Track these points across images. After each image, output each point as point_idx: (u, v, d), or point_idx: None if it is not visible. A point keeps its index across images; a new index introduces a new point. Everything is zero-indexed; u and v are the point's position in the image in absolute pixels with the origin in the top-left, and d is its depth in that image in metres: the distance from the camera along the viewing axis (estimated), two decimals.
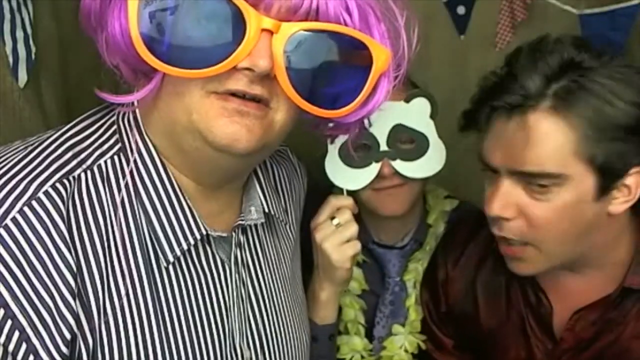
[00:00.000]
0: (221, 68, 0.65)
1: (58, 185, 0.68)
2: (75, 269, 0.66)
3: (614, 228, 0.96)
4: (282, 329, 0.88)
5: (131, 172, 0.73)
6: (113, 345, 0.69)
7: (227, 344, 0.79)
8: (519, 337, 1.08)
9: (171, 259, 0.73)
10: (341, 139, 1.05)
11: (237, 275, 0.82)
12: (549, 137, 0.87)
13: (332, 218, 1.03)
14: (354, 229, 1.02)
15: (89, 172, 0.71)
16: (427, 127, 1.08)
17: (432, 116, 1.08)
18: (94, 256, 0.69)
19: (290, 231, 0.97)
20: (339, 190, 1.07)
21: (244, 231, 0.85)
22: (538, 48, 0.91)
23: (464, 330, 1.17)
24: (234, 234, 0.82)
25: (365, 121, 0.94)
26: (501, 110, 0.91)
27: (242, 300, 0.82)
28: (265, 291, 0.87)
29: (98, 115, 0.78)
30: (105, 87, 0.70)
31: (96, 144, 0.74)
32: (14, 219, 0.64)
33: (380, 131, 1.06)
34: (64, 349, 0.65)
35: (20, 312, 0.63)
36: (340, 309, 1.15)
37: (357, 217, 1.07)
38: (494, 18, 1.54)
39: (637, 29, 1.42)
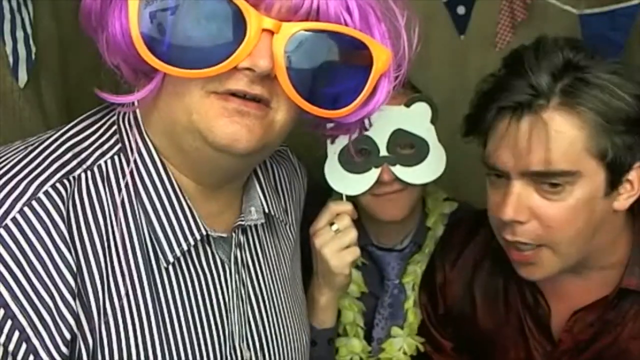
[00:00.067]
0: (222, 68, 0.65)
1: (58, 185, 0.68)
2: (75, 269, 0.66)
3: (616, 227, 0.96)
4: (281, 329, 0.88)
5: (131, 172, 0.73)
6: (113, 345, 0.69)
7: (226, 344, 0.79)
8: (517, 338, 1.08)
9: (171, 259, 0.73)
10: (341, 144, 1.05)
11: (237, 276, 0.82)
12: (562, 133, 0.86)
13: (332, 224, 1.03)
14: (353, 235, 1.02)
15: (89, 172, 0.71)
16: (428, 132, 1.07)
17: (432, 121, 1.07)
18: (94, 256, 0.69)
19: (290, 231, 0.97)
20: (338, 196, 1.07)
21: (244, 231, 0.85)
22: (539, 48, 0.91)
23: (463, 332, 1.17)
24: (234, 234, 0.82)
25: (366, 121, 0.94)
26: (507, 111, 0.90)
27: (242, 301, 0.82)
28: (265, 292, 0.87)
29: (98, 116, 0.78)
30: (105, 87, 0.70)
31: (96, 144, 0.74)
32: (14, 219, 0.64)
33: (380, 136, 1.05)
34: (63, 349, 0.65)
35: (20, 312, 0.63)
36: (339, 312, 1.15)
37: (357, 220, 1.07)
38: (494, 18, 1.54)
39: (637, 29, 1.42)
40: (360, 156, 1.05)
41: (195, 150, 0.72)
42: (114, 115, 0.77)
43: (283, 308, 0.90)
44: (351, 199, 1.07)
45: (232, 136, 0.68)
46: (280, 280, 0.91)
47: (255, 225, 0.86)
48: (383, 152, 1.06)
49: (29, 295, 0.64)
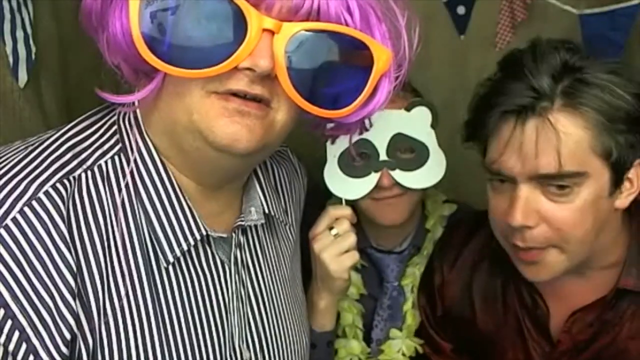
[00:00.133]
0: (222, 68, 0.65)
1: (58, 185, 0.68)
2: (75, 269, 0.66)
3: (616, 226, 0.97)
4: (281, 329, 0.88)
5: (131, 172, 0.73)
6: (113, 345, 0.69)
7: (226, 344, 0.79)
8: (516, 339, 1.08)
9: (171, 259, 0.73)
10: (340, 148, 1.05)
11: (236, 276, 0.82)
12: (568, 135, 0.86)
13: (331, 228, 1.03)
14: (352, 239, 1.02)
15: (89, 172, 0.71)
16: (428, 137, 1.07)
17: (432, 125, 1.07)
18: (94, 256, 0.69)
19: (290, 232, 0.97)
20: (338, 200, 1.07)
21: (244, 232, 0.85)
22: (536, 50, 0.91)
23: (462, 334, 1.17)
24: (234, 234, 0.82)
25: (366, 122, 0.94)
26: (511, 115, 0.89)
27: (242, 301, 0.82)
28: (265, 292, 0.87)
29: (99, 116, 0.78)
30: (105, 87, 0.70)
31: (97, 144, 0.74)
32: (14, 219, 0.64)
33: (380, 140, 1.05)
34: (64, 349, 0.65)
35: (21, 312, 0.63)
36: (338, 314, 1.16)
37: (356, 223, 1.07)
38: (494, 18, 1.54)
39: (637, 29, 1.42)
40: (359, 160, 1.05)
41: (196, 150, 0.72)
42: (114, 115, 0.77)
43: (283, 309, 0.90)
44: (350, 202, 1.07)
45: (232, 136, 0.68)
46: (280, 280, 0.91)
47: (255, 226, 0.86)
48: (383, 156, 1.05)
49: (29, 295, 0.63)
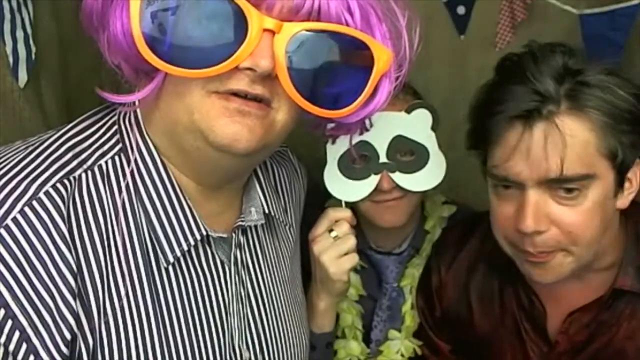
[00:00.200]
0: (223, 68, 0.65)
1: (59, 185, 0.68)
2: (75, 269, 0.66)
3: (615, 227, 0.97)
4: (281, 330, 0.88)
5: (131, 172, 0.73)
6: (113, 345, 0.69)
7: (226, 344, 0.79)
8: (514, 341, 1.08)
9: (171, 259, 0.73)
10: (340, 150, 1.05)
11: (236, 276, 0.82)
12: (576, 137, 0.86)
13: (330, 230, 1.03)
14: (351, 241, 1.02)
15: (89, 173, 0.71)
16: (428, 139, 1.06)
17: (433, 128, 1.07)
18: (94, 256, 0.69)
19: (290, 232, 0.97)
20: (337, 202, 1.07)
21: (244, 232, 0.85)
22: (536, 54, 0.90)
23: (460, 335, 1.17)
24: (234, 234, 0.82)
25: (367, 122, 0.94)
26: (517, 120, 0.89)
27: (242, 301, 0.82)
28: (265, 292, 0.87)
29: (99, 115, 0.78)
30: (106, 87, 0.70)
31: (97, 144, 0.74)
32: (14, 219, 0.64)
33: (380, 142, 1.05)
34: (64, 349, 0.65)
35: (21, 312, 0.63)
36: (337, 315, 1.16)
37: (356, 224, 1.06)
38: (494, 18, 1.54)
39: (637, 29, 1.42)
40: (359, 162, 1.05)
41: (196, 150, 0.72)
42: (114, 115, 0.77)
43: (283, 309, 0.90)
44: (350, 204, 1.07)
45: (233, 136, 0.68)
46: (280, 281, 0.91)
47: (255, 226, 0.86)
48: (383, 158, 1.05)
49: (29, 295, 0.63)
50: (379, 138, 1.04)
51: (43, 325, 0.64)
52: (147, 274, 0.72)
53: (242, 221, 0.82)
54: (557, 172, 0.86)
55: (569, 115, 0.87)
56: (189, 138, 0.71)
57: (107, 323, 0.69)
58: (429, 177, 1.07)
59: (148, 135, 0.75)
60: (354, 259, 1.03)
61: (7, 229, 0.64)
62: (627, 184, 0.93)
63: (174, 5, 0.65)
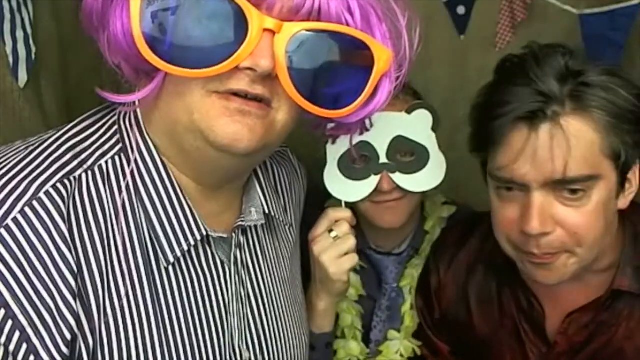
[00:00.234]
0: (223, 68, 0.65)
1: (59, 185, 0.68)
2: (75, 269, 0.66)
3: (615, 228, 0.96)
4: (281, 330, 0.88)
5: (132, 172, 0.73)
6: (113, 345, 0.69)
7: (226, 344, 0.79)
8: (513, 342, 1.08)
9: (171, 259, 0.73)
10: (340, 151, 1.04)
11: (236, 276, 0.82)
12: (581, 138, 0.86)
13: (330, 230, 1.03)
14: (351, 242, 1.02)
15: (89, 173, 0.71)
16: (428, 140, 1.06)
17: (433, 128, 1.07)
18: (95, 256, 0.69)
19: (290, 232, 0.97)
20: (337, 202, 1.07)
21: (244, 232, 0.85)
22: (539, 55, 0.90)
23: (459, 336, 1.17)
24: (234, 234, 0.82)
25: (367, 122, 0.94)
26: (521, 121, 0.88)
27: (242, 301, 0.82)
28: (265, 292, 0.87)
29: (99, 115, 0.78)
30: (106, 87, 0.70)
31: (97, 144, 0.74)
32: (15, 219, 0.64)
33: (380, 143, 1.05)
34: (64, 349, 0.65)
35: (21, 312, 0.63)
36: (337, 315, 1.16)
37: (355, 224, 1.06)
38: (494, 18, 1.54)
39: (637, 29, 1.42)
40: (360, 162, 1.05)
41: (197, 150, 0.72)
42: (114, 115, 0.77)
43: (283, 309, 0.90)
44: (350, 204, 1.07)
45: (233, 136, 0.68)
46: (280, 281, 0.91)
47: (255, 226, 0.86)
48: (383, 159, 1.05)
49: (29, 295, 0.63)
50: (379, 138, 1.04)
51: (43, 326, 0.64)
52: (147, 274, 0.72)
53: (242, 221, 0.82)
54: (564, 173, 0.86)
55: (574, 115, 0.86)
56: (189, 138, 0.71)
57: (107, 323, 0.69)
58: (429, 177, 1.06)
59: (148, 135, 0.75)
60: (353, 259, 1.03)
61: (8, 229, 0.64)
62: (627, 185, 0.93)
63: (174, 5, 0.65)
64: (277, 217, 0.89)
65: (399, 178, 1.06)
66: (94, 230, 0.69)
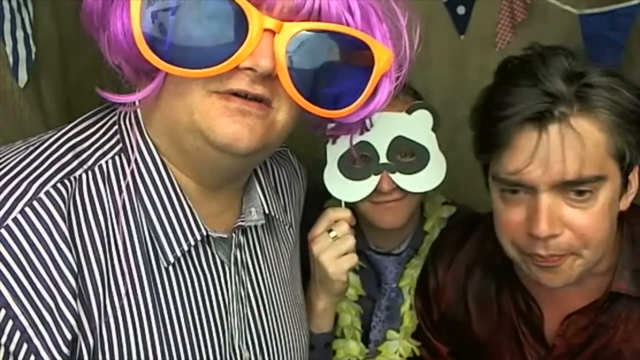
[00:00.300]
0: (223, 68, 0.65)
1: (59, 185, 0.68)
2: (76, 269, 0.66)
3: (615, 230, 0.96)
4: (281, 330, 0.88)
5: (132, 172, 0.73)
6: (113, 345, 0.69)
7: (226, 344, 0.79)
8: (512, 344, 1.08)
9: (171, 259, 0.73)
10: (340, 151, 1.04)
11: (236, 276, 0.82)
12: (590, 139, 0.85)
13: (330, 230, 1.03)
14: (351, 242, 1.02)
15: (90, 173, 0.71)
16: (429, 140, 1.06)
17: (434, 129, 1.07)
18: (95, 256, 0.69)
19: (290, 232, 0.97)
20: (337, 202, 1.07)
21: (244, 232, 0.85)
22: (544, 56, 0.89)
23: (458, 338, 1.16)
24: (234, 235, 0.82)
25: (367, 122, 0.94)
26: (529, 123, 0.87)
27: (242, 301, 0.82)
28: (265, 292, 0.87)
29: (99, 116, 0.78)
30: (106, 87, 0.70)
31: (97, 144, 0.74)
32: (15, 219, 0.64)
33: (381, 143, 1.05)
34: (65, 349, 0.65)
35: (22, 312, 0.63)
36: (336, 315, 1.16)
37: (355, 224, 1.06)
38: (494, 18, 1.54)
39: (637, 29, 1.42)
40: (360, 162, 1.05)
41: (197, 150, 0.72)
42: (114, 115, 0.77)
43: (283, 309, 0.90)
44: (350, 204, 1.07)
45: (233, 135, 0.68)
46: (280, 281, 0.91)
47: (255, 226, 0.86)
48: (383, 159, 1.05)
49: (30, 295, 0.64)
50: (379, 139, 1.04)
51: (44, 326, 0.64)
52: (147, 274, 0.72)
53: (242, 221, 0.82)
54: (574, 174, 0.85)
55: (581, 116, 0.86)
56: (190, 138, 0.71)
57: (107, 323, 0.69)
58: (429, 178, 1.06)
59: (148, 135, 0.75)
60: (353, 259, 1.03)
61: (8, 229, 0.64)
62: (627, 186, 0.93)
63: (175, 5, 0.65)
64: (277, 217, 0.89)
65: (399, 178, 1.06)
66: (94, 230, 0.69)
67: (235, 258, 0.82)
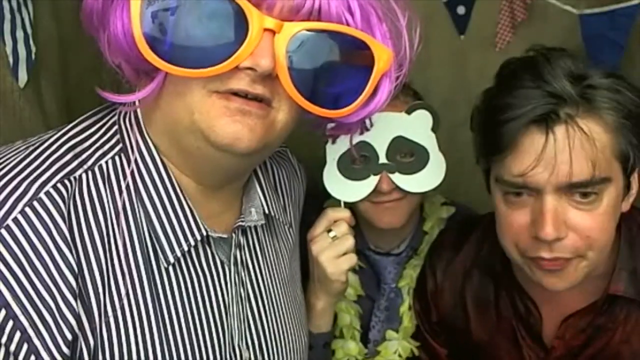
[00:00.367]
0: (223, 67, 0.65)
1: (59, 185, 0.68)
2: (76, 269, 0.66)
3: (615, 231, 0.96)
4: (281, 330, 0.88)
5: (132, 172, 0.73)
6: (114, 345, 0.69)
7: (226, 344, 0.79)
8: (511, 347, 1.08)
9: (171, 259, 0.73)
10: (340, 151, 1.04)
11: (236, 276, 0.82)
12: (596, 140, 0.85)
13: (329, 230, 1.03)
14: (350, 242, 1.02)
15: (90, 173, 0.71)
16: (428, 140, 1.06)
17: (433, 129, 1.06)
18: (95, 256, 0.69)
19: (290, 233, 0.97)
20: (336, 202, 1.07)
21: (244, 232, 0.85)
22: (550, 57, 0.89)
23: (456, 340, 1.16)
24: (233, 235, 0.82)
25: (367, 121, 0.94)
26: (534, 125, 0.86)
27: (241, 301, 0.82)
28: (265, 292, 0.87)
29: (99, 115, 0.78)
30: (106, 87, 0.70)
31: (97, 144, 0.74)
32: (15, 220, 0.64)
33: (380, 143, 1.05)
34: (65, 349, 0.65)
35: (22, 312, 0.63)
36: (335, 314, 1.16)
37: (354, 224, 1.06)
38: (494, 18, 1.54)
39: (637, 29, 1.42)
40: (359, 162, 1.05)
41: (197, 149, 0.72)
42: (114, 115, 0.77)
43: (282, 309, 0.90)
44: (349, 205, 1.07)
45: (233, 135, 0.68)
46: (280, 281, 0.91)
47: (255, 226, 0.86)
48: (382, 159, 1.05)
49: (30, 295, 0.64)
50: (379, 139, 1.04)
51: (44, 326, 0.64)
52: (147, 274, 0.72)
53: (242, 221, 0.82)
54: (581, 176, 0.84)
55: (587, 117, 0.85)
56: (190, 138, 0.71)
57: (107, 323, 0.69)
58: (428, 178, 1.06)
59: (148, 135, 0.75)
60: (352, 260, 1.03)
61: (8, 229, 0.64)
62: (629, 188, 0.92)
63: (175, 5, 0.65)
64: (276, 217, 0.89)
65: (399, 178, 1.06)
66: (94, 230, 0.69)
67: (235, 258, 0.82)
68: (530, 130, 0.86)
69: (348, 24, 0.71)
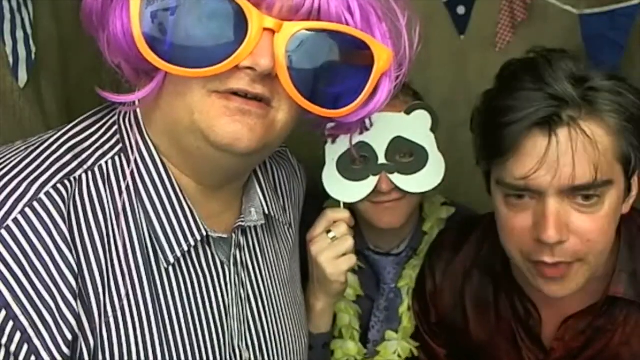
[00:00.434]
0: (223, 67, 0.65)
1: (59, 186, 0.68)
2: (76, 269, 0.66)
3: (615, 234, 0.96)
4: (280, 330, 0.88)
5: (132, 173, 0.73)
6: (114, 345, 0.69)
7: (226, 344, 0.79)
8: (510, 348, 1.08)
9: (171, 260, 0.73)
10: (339, 151, 1.04)
11: (236, 277, 0.82)
12: (598, 142, 0.84)
13: (328, 231, 1.03)
14: (349, 243, 1.02)
15: (90, 173, 0.71)
16: (427, 140, 1.06)
17: (432, 129, 1.06)
18: (95, 257, 0.69)
19: (289, 233, 0.97)
20: (336, 202, 1.07)
21: (244, 232, 0.85)
22: (551, 59, 0.88)
23: (456, 341, 1.16)
24: (233, 235, 0.82)
25: (367, 121, 0.94)
26: (537, 127, 0.85)
27: (241, 302, 0.82)
28: (264, 292, 0.87)
29: (99, 116, 0.78)
30: (106, 87, 0.70)
31: (97, 144, 0.74)
32: (15, 220, 0.64)
33: (379, 143, 1.04)
34: (65, 350, 0.65)
35: (22, 312, 0.63)
36: (335, 315, 1.16)
37: (354, 224, 1.06)
38: (494, 18, 1.54)
39: (637, 29, 1.42)
40: (358, 163, 1.05)
41: (197, 149, 0.72)
42: (114, 115, 0.77)
43: (282, 309, 0.90)
44: (348, 205, 1.07)
45: (233, 135, 0.68)
46: (280, 281, 0.91)
47: (255, 227, 0.86)
48: (382, 159, 1.05)
49: (30, 296, 0.63)
50: (378, 139, 1.04)
51: (44, 326, 0.64)
52: (147, 275, 0.72)
53: (242, 221, 0.82)
54: (584, 179, 0.84)
55: (590, 119, 0.85)
56: (190, 138, 0.71)
57: (107, 323, 0.69)
58: (428, 178, 1.06)
59: (148, 135, 0.75)
60: (351, 260, 1.03)
61: (8, 229, 0.64)
62: (629, 190, 0.92)
63: (174, 5, 0.65)
64: (276, 217, 0.89)
65: (398, 179, 1.06)
66: (94, 230, 0.69)
67: (235, 258, 0.82)
68: (532, 133, 0.86)
69: (348, 24, 0.71)
